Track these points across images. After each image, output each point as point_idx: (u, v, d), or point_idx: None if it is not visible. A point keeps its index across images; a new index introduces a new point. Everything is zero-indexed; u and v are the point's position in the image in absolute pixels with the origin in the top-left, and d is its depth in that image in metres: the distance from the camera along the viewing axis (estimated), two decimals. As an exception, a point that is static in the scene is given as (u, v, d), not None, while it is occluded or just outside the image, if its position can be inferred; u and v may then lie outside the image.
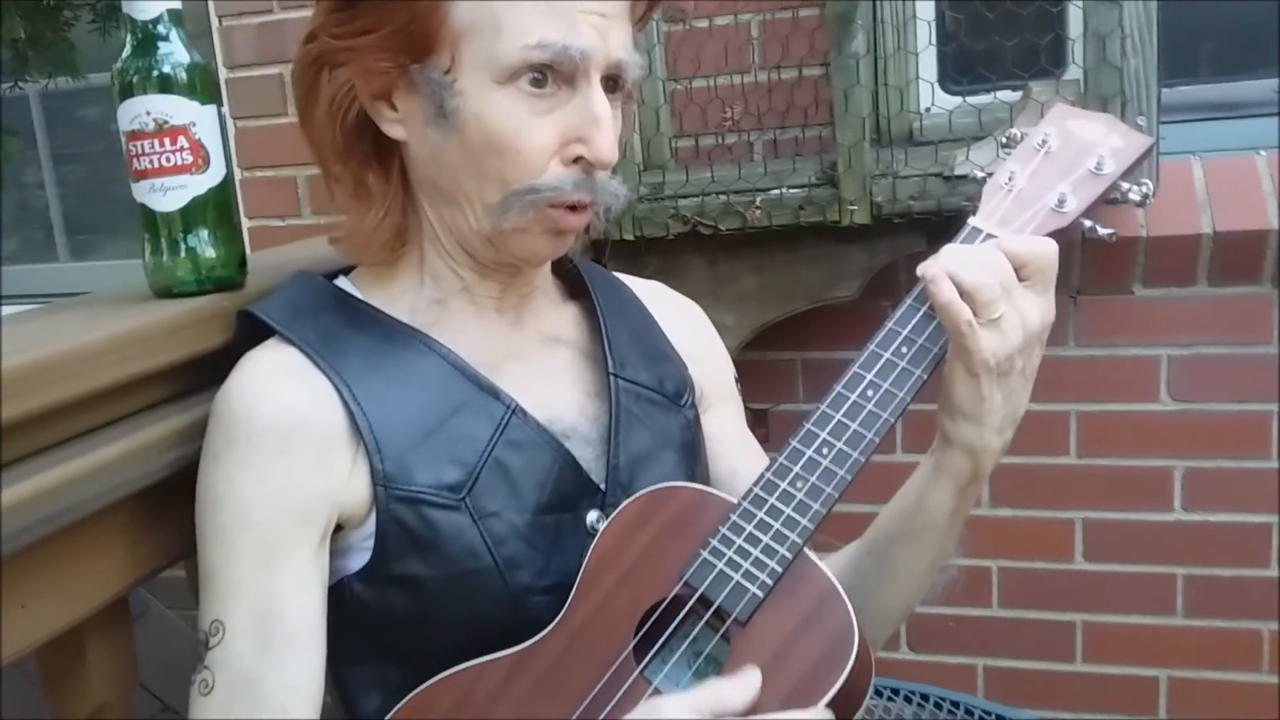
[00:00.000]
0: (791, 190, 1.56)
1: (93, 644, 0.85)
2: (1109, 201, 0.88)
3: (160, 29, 0.90)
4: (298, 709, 0.82)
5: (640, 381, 0.96)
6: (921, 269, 0.80)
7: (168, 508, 0.87)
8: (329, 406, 0.85)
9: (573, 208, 0.86)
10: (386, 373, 0.87)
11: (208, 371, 0.91)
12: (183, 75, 0.90)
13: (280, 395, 0.84)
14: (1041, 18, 1.57)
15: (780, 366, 1.86)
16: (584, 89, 0.83)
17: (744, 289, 1.67)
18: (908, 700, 1.46)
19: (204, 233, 0.93)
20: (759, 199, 1.57)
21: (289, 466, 0.83)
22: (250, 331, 0.90)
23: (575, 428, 0.92)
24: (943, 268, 0.79)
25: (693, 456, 0.98)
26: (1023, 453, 0.79)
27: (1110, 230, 0.85)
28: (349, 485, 0.84)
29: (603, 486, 0.91)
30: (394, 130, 0.87)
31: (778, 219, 1.56)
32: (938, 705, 1.44)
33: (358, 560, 0.86)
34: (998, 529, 1.81)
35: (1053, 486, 1.78)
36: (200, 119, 0.90)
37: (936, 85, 1.70)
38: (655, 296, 1.07)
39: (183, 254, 0.93)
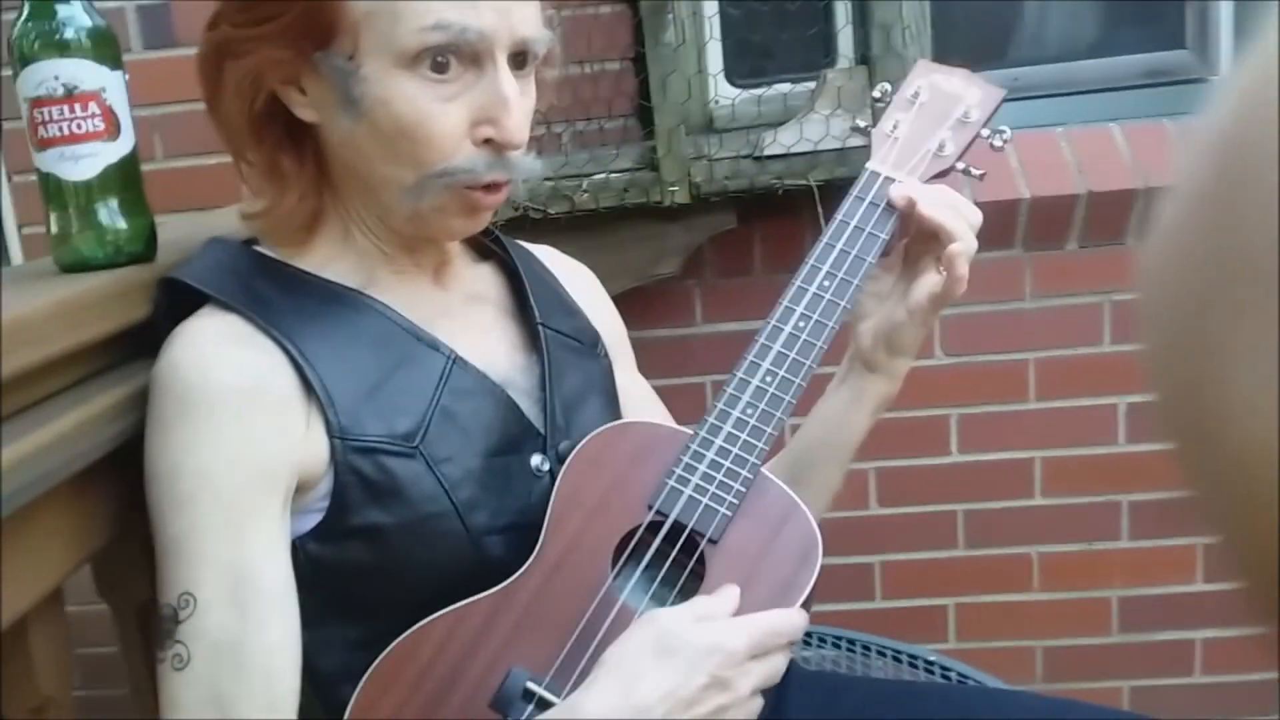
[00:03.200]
0: (615, 174, 1.64)
1: (35, 635, 0.80)
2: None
3: (57, -10, 0.86)
4: (283, 668, 0.81)
5: (563, 330, 1.00)
6: (927, 209, 0.91)
7: (101, 485, 0.83)
8: (280, 368, 0.84)
9: (488, 187, 0.87)
10: (328, 332, 0.87)
11: (131, 345, 0.87)
12: (85, 40, 0.86)
13: (232, 360, 0.82)
14: (811, 14, 1.74)
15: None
16: (490, 70, 0.83)
17: (571, 271, 1.73)
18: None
19: (114, 203, 0.89)
20: (585, 183, 1.64)
21: (248, 430, 0.81)
22: (174, 301, 0.87)
23: (510, 378, 0.95)
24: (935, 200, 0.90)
25: (615, 401, 1.03)
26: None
27: (982, 171, 0.97)
28: (306, 444, 0.84)
29: (542, 430, 0.94)
30: (306, 114, 0.87)
31: (604, 201, 1.64)
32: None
33: (310, 521, 0.86)
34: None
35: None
36: (110, 85, 0.87)
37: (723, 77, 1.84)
38: (551, 258, 1.11)
39: (92, 226, 0.88)
